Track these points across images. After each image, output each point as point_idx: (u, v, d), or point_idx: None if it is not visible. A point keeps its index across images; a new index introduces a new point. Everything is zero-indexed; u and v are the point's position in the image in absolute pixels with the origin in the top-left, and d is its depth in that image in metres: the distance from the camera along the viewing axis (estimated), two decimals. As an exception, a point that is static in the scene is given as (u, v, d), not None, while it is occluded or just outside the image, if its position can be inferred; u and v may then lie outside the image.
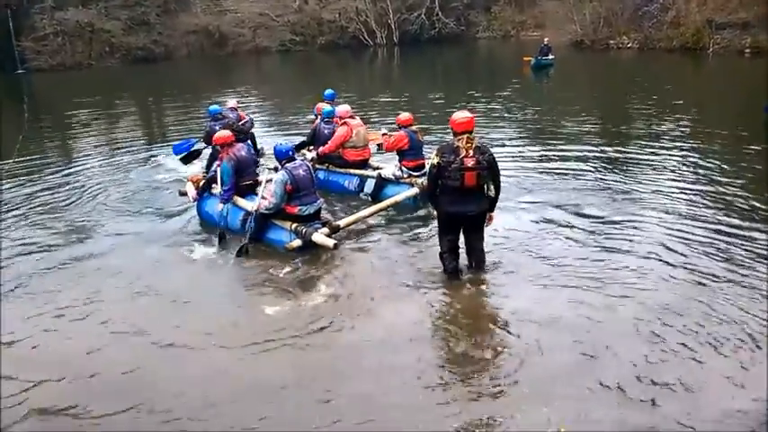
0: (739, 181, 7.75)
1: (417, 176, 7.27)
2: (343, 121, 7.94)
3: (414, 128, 7.50)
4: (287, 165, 6.07)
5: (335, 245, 5.82)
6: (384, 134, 8.16)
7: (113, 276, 5.83)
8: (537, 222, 6.60)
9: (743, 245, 5.72)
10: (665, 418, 3.48)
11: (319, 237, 5.89)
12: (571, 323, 4.50)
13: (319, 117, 8.61)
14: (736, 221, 6.35)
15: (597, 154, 9.71)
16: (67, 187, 9.21)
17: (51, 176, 9.97)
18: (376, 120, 12.24)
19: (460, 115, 5.05)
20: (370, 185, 7.59)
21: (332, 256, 5.91)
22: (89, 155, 11.86)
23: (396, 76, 27.52)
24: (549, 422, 3.47)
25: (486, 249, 5.42)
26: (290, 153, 6.19)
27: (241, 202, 6.62)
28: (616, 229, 6.32)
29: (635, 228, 6.33)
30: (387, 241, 6.33)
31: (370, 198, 7.48)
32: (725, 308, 4.59)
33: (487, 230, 5.46)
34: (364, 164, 8.03)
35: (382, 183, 7.49)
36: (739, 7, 24.61)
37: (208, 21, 36.97)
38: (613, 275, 5.23)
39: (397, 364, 4.14)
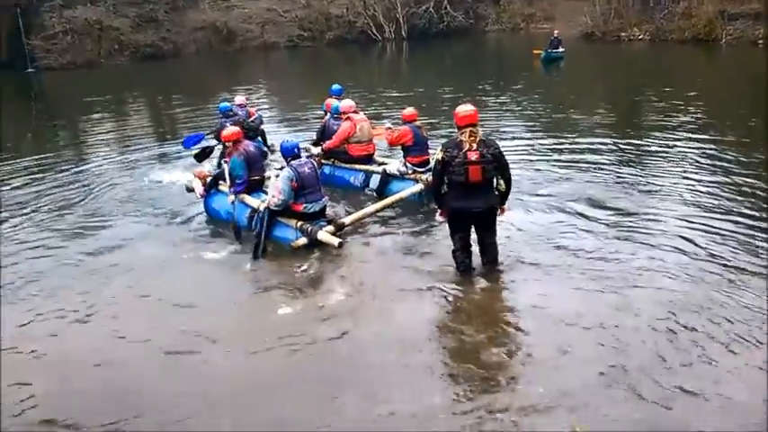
0: (757, 172, 7.64)
1: (422, 172, 7.24)
2: (346, 116, 7.91)
3: (418, 123, 7.46)
4: (292, 162, 6.08)
5: (340, 243, 5.82)
6: (388, 128, 8.14)
7: (121, 274, 5.84)
8: (551, 216, 6.54)
9: (763, 237, 5.62)
10: (682, 419, 3.41)
11: (324, 235, 5.91)
12: (588, 320, 4.43)
13: (328, 113, 8.56)
14: (755, 213, 6.27)
15: (610, 146, 9.60)
16: (76, 185, 9.24)
17: (60, 174, 10.01)
18: (386, 114, 12.14)
19: (463, 108, 4.97)
20: (375, 181, 7.61)
21: (341, 255, 5.87)
22: (99, 153, 11.89)
23: (404, 70, 27.40)
24: (565, 421, 3.41)
25: (499, 243, 5.32)
26: (296, 150, 6.19)
27: (248, 199, 6.62)
28: (632, 222, 6.24)
29: (651, 221, 6.25)
30: (395, 239, 6.28)
31: (375, 193, 7.48)
32: (747, 301, 4.50)
33: (501, 225, 5.37)
34: (369, 159, 8.02)
35: (387, 178, 7.49)
36: (752, -3, 24.30)
37: (215, 17, 36.91)
38: (630, 270, 5.15)
39: (412, 362, 4.09)
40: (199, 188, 7.22)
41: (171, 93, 21.26)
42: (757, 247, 5.43)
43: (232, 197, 6.67)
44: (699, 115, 11.61)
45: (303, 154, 6.40)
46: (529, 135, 10.85)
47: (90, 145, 12.97)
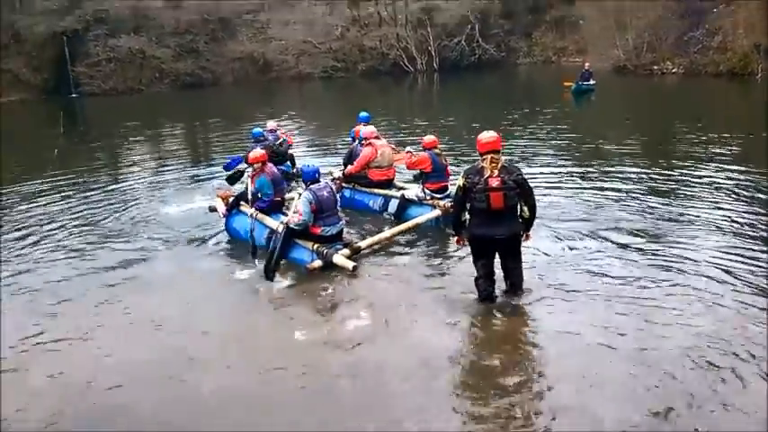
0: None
1: (440, 199, 7.35)
2: (368, 141, 8.12)
3: (437, 150, 7.57)
4: (311, 186, 6.26)
5: (355, 267, 5.92)
6: (408, 152, 8.28)
7: (138, 290, 5.96)
8: (577, 243, 6.48)
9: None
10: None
11: (340, 258, 6.01)
12: (613, 352, 4.33)
13: (357, 139, 8.73)
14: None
15: (640, 176, 9.51)
16: (103, 203, 9.53)
17: (92, 192, 10.35)
18: (415, 141, 12.26)
19: (485, 135, 4.98)
20: (393, 205, 7.75)
21: (361, 280, 5.90)
22: (131, 174, 12.26)
23: (435, 100, 27.63)
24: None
25: (524, 269, 5.24)
26: (316, 175, 6.38)
27: (267, 220, 6.80)
28: (661, 250, 6.13)
29: (682, 250, 6.14)
30: (414, 265, 6.31)
31: (393, 217, 7.62)
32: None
33: (526, 251, 5.32)
34: (389, 184, 8.21)
35: (405, 203, 7.62)
36: (788, 32, 23.99)
37: (253, 48, 37.91)
38: (656, 301, 5.05)
39: (434, 390, 4.03)
40: (221, 208, 7.45)
41: (207, 119, 21.83)
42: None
43: (252, 210, 6.89)
44: (733, 147, 11.44)
45: (326, 179, 6.56)
46: (557, 163, 10.83)
47: (124, 166, 13.40)
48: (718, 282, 5.35)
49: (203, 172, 11.80)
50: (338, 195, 6.57)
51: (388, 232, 6.85)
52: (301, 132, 17.26)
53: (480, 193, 4.80)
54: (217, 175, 10.38)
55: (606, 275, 5.63)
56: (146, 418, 3.91)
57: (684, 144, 12.33)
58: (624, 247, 6.32)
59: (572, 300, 5.17)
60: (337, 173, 8.46)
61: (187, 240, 7.44)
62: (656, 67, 28.33)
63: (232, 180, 9.37)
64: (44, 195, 10.14)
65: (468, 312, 5.08)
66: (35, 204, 9.57)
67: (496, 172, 4.81)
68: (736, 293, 5.11)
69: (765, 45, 24.45)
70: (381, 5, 38.92)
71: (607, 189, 8.77)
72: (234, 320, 5.30)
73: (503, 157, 4.97)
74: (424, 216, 7.20)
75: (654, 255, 6.09)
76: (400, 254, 6.63)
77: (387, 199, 7.93)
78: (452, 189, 7.45)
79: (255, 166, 7.08)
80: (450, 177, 7.84)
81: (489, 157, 4.87)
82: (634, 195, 8.34)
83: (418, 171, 7.89)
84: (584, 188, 8.89)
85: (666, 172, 9.74)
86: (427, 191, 7.50)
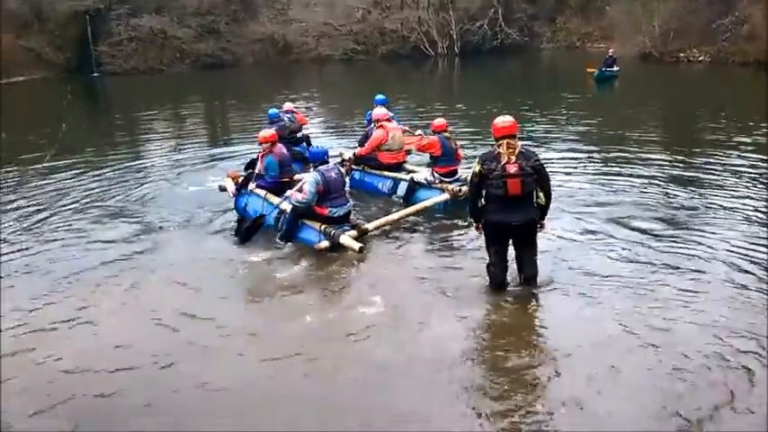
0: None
1: (449, 182, 7.32)
2: (379, 124, 8.07)
3: (447, 134, 7.50)
4: (320, 167, 6.31)
5: (361, 248, 5.93)
6: (420, 135, 8.22)
7: (146, 271, 5.95)
8: (594, 233, 6.35)
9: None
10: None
11: (346, 239, 6.03)
12: (626, 343, 4.23)
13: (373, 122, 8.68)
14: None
15: (662, 164, 9.33)
16: (119, 181, 9.62)
17: (107, 170, 10.45)
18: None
19: (501, 119, 4.85)
20: (402, 188, 7.73)
21: (369, 264, 5.88)
22: (149, 152, 12.37)
23: (455, 85, 27.40)
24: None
25: (537, 259, 5.10)
26: (325, 156, 6.47)
27: (276, 200, 6.82)
28: (678, 245, 5.95)
29: (701, 241, 5.98)
30: (423, 249, 6.27)
31: (402, 200, 7.60)
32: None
33: (541, 238, 5.20)
34: (398, 167, 8.16)
35: (414, 186, 7.59)
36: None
37: (274, 29, 37.83)
38: (673, 295, 4.90)
39: (443, 380, 3.95)
40: (231, 187, 7.48)
41: (227, 100, 21.88)
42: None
43: (253, 185, 7.07)
44: (758, 137, 11.14)
45: (336, 160, 6.56)
46: (577, 150, 10.67)
47: (140, 145, 13.52)
48: (739, 271, 5.22)
49: (218, 152, 11.84)
50: (347, 177, 6.56)
51: (395, 215, 6.83)
52: (318, 114, 17.23)
53: (497, 180, 4.68)
54: (233, 154, 10.38)
55: (623, 264, 5.52)
56: (138, 407, 3.84)
57: (708, 132, 12.07)
58: (643, 234, 6.19)
59: (587, 288, 5.05)
60: (347, 154, 8.44)
61: (197, 220, 7.44)
62: (681, 55, 27.71)
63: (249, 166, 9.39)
64: (59, 172, 10.22)
65: (479, 300, 5.00)
66: (50, 181, 9.66)
67: (514, 158, 4.68)
68: (758, 284, 4.97)
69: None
70: (403, -13, 38.58)
71: (626, 175, 8.62)
72: (239, 306, 5.25)
73: (519, 142, 4.85)
74: (432, 199, 7.17)
75: (673, 243, 5.96)
76: (409, 237, 6.57)
77: (396, 182, 7.90)
78: (462, 173, 7.50)
79: (264, 145, 7.15)
80: (463, 161, 7.77)
81: (506, 142, 4.74)
82: (655, 182, 8.18)
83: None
84: (603, 174, 8.75)
85: (688, 159, 9.55)
86: (436, 174, 7.46)
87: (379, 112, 8.32)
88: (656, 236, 6.19)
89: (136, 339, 4.63)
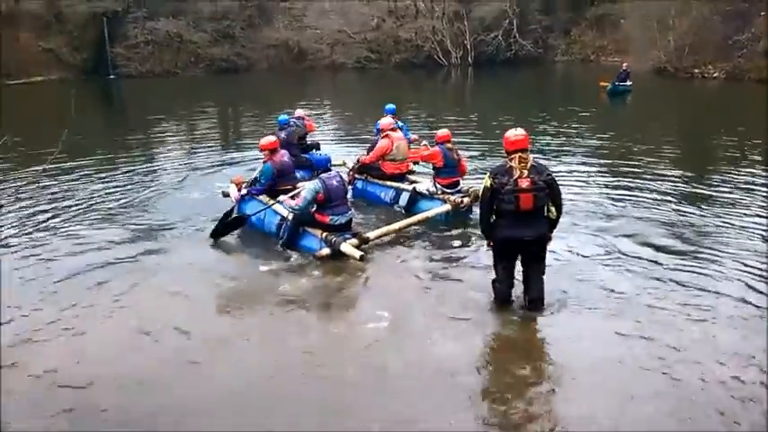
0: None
1: (451, 193, 7.33)
2: (385, 133, 8.08)
3: (449, 145, 7.50)
4: (322, 175, 6.33)
5: (362, 257, 5.93)
6: (425, 145, 8.26)
7: (148, 275, 5.93)
8: (602, 249, 6.29)
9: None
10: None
11: (347, 247, 6.03)
12: (631, 363, 4.17)
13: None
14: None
15: (673, 181, 9.24)
16: (128, 185, 9.65)
17: (116, 173, 10.50)
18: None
19: (513, 133, 4.78)
20: (404, 198, 7.76)
21: (372, 275, 5.84)
22: (161, 157, 12.40)
23: (467, 95, 27.37)
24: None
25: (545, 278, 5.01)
26: (327, 164, 6.50)
27: (278, 207, 6.83)
28: (689, 264, 5.88)
29: (711, 263, 5.88)
30: (426, 261, 6.26)
31: (403, 210, 7.62)
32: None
33: (549, 255, 5.09)
34: (402, 177, 8.18)
35: (416, 196, 7.63)
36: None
37: (288, 36, 38.03)
38: (684, 313, 4.84)
39: (447, 392, 3.92)
40: (234, 193, 7.47)
41: (240, 105, 21.97)
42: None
43: (244, 191, 7.20)
44: (772, 157, 11.02)
45: (338, 169, 6.60)
46: (587, 166, 10.59)
47: (152, 148, 13.57)
48: (752, 291, 5.16)
49: (229, 157, 11.87)
50: (350, 186, 6.59)
51: (397, 224, 6.83)
52: (329, 122, 17.25)
53: (509, 194, 4.62)
54: (243, 160, 10.39)
55: (633, 280, 5.47)
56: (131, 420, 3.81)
57: (721, 149, 11.97)
58: (653, 251, 6.14)
59: (589, 309, 4.99)
60: (351, 163, 8.48)
61: (200, 226, 7.39)
62: (697, 71, 27.54)
63: None
64: (68, 173, 10.29)
65: (483, 315, 4.95)
66: (56, 182, 9.73)
67: (526, 172, 4.62)
68: (760, 309, 4.89)
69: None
70: (419, -3, 38.70)
71: (638, 190, 8.58)
72: (239, 317, 5.17)
73: (531, 156, 4.80)
74: (433, 210, 7.19)
75: (684, 260, 5.91)
76: (411, 248, 6.57)
77: (398, 192, 7.94)
78: (464, 185, 7.51)
79: (264, 152, 7.22)
80: (473, 173, 7.75)
81: (518, 156, 4.69)
82: (666, 199, 8.13)
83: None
84: (614, 189, 8.70)
85: (701, 176, 9.49)
86: (438, 185, 7.49)
87: (385, 121, 8.36)
88: (667, 253, 6.13)
89: (127, 348, 4.60)
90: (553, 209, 4.81)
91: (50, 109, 20.84)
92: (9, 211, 8.10)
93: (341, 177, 6.52)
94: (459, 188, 7.50)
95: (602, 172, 10.07)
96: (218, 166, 11.17)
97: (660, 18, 29.10)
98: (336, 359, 4.37)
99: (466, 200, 7.32)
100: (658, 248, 6.27)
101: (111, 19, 35.16)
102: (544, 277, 4.96)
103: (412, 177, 8.30)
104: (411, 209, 7.56)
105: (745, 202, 8.03)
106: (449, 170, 7.48)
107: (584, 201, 8.04)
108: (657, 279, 5.51)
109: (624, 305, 5.02)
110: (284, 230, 6.48)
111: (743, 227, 6.94)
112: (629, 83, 21.21)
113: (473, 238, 6.69)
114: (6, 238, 7.05)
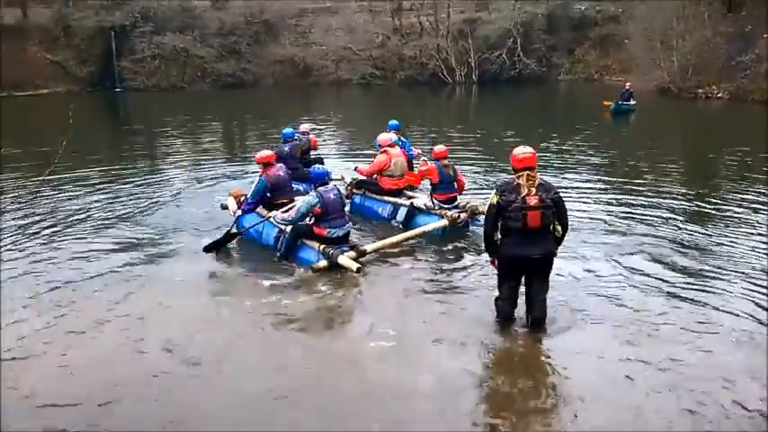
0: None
1: (447, 209, 7.38)
2: (383, 149, 8.15)
3: (445, 162, 7.55)
4: (319, 188, 6.37)
5: (359, 269, 5.96)
6: (424, 161, 8.35)
7: (146, 287, 5.90)
8: (604, 268, 6.25)
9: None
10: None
11: (344, 259, 6.06)
12: (639, 384, 4.11)
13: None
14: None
15: (676, 199, 9.23)
16: (130, 198, 9.63)
17: (118, 186, 10.50)
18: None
19: (521, 150, 4.73)
20: (401, 213, 7.81)
21: (371, 292, 5.80)
22: (164, 170, 12.44)
23: (471, 113, 27.47)
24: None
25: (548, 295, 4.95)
26: (325, 177, 6.55)
27: (265, 213, 6.98)
28: (694, 281, 5.85)
29: (714, 280, 5.86)
30: (425, 276, 6.20)
31: (401, 225, 7.66)
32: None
33: (553, 273, 4.98)
34: (399, 193, 8.24)
35: (414, 211, 7.68)
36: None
37: (294, 52, 38.38)
38: (688, 332, 4.80)
39: (447, 413, 3.86)
40: (233, 206, 7.49)
41: (245, 119, 22.07)
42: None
43: (239, 212, 7.18)
44: (776, 176, 11.00)
45: (336, 183, 6.63)
46: (592, 182, 10.60)
47: (157, 160, 13.62)
48: (760, 308, 5.13)
49: (231, 170, 11.91)
50: (348, 201, 6.61)
51: (394, 238, 6.89)
52: (333, 136, 17.31)
53: (516, 212, 4.57)
54: (245, 174, 10.40)
55: (637, 298, 5.43)
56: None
57: (724, 169, 11.96)
58: (653, 276, 6.05)
59: (592, 326, 4.96)
60: (349, 178, 8.55)
61: (198, 239, 7.33)
62: (700, 91, 27.60)
63: None
64: (69, 184, 10.33)
65: (485, 331, 4.90)
66: (56, 192, 9.79)
67: (534, 190, 4.59)
68: (760, 329, 4.85)
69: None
70: (424, 15, 38.99)
71: (641, 207, 8.57)
72: (239, 332, 5.08)
73: (538, 174, 4.76)
74: (430, 225, 7.25)
75: (688, 279, 5.88)
76: (408, 263, 6.54)
77: (396, 207, 8.00)
78: (461, 200, 7.59)
79: (259, 166, 7.28)
80: (473, 188, 7.76)
81: (525, 174, 4.65)
82: (670, 217, 8.11)
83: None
84: (616, 209, 8.65)
85: (704, 194, 9.45)
86: (435, 201, 7.56)
87: (383, 137, 8.47)
88: (673, 270, 6.11)
89: (120, 361, 4.57)
90: (559, 227, 4.78)
91: (55, 121, 20.95)
92: (5, 221, 8.10)
93: (338, 190, 6.57)
94: (456, 203, 7.58)
95: (606, 189, 10.06)
96: (219, 178, 11.20)
97: (664, 38, 29.24)
98: (336, 377, 4.32)
99: (463, 215, 7.39)
100: (664, 265, 6.25)
101: (118, 33, 35.61)
102: (547, 297, 4.91)
103: (409, 193, 8.36)
104: (408, 224, 7.59)
105: (750, 220, 8.00)
106: (445, 186, 7.55)
107: (589, 217, 8.03)
108: (663, 296, 5.48)
109: (629, 322, 4.98)
110: (282, 243, 6.52)
111: (747, 244, 6.93)
112: (632, 102, 21.28)
113: (470, 254, 6.71)
114: (1, 247, 7.04)
